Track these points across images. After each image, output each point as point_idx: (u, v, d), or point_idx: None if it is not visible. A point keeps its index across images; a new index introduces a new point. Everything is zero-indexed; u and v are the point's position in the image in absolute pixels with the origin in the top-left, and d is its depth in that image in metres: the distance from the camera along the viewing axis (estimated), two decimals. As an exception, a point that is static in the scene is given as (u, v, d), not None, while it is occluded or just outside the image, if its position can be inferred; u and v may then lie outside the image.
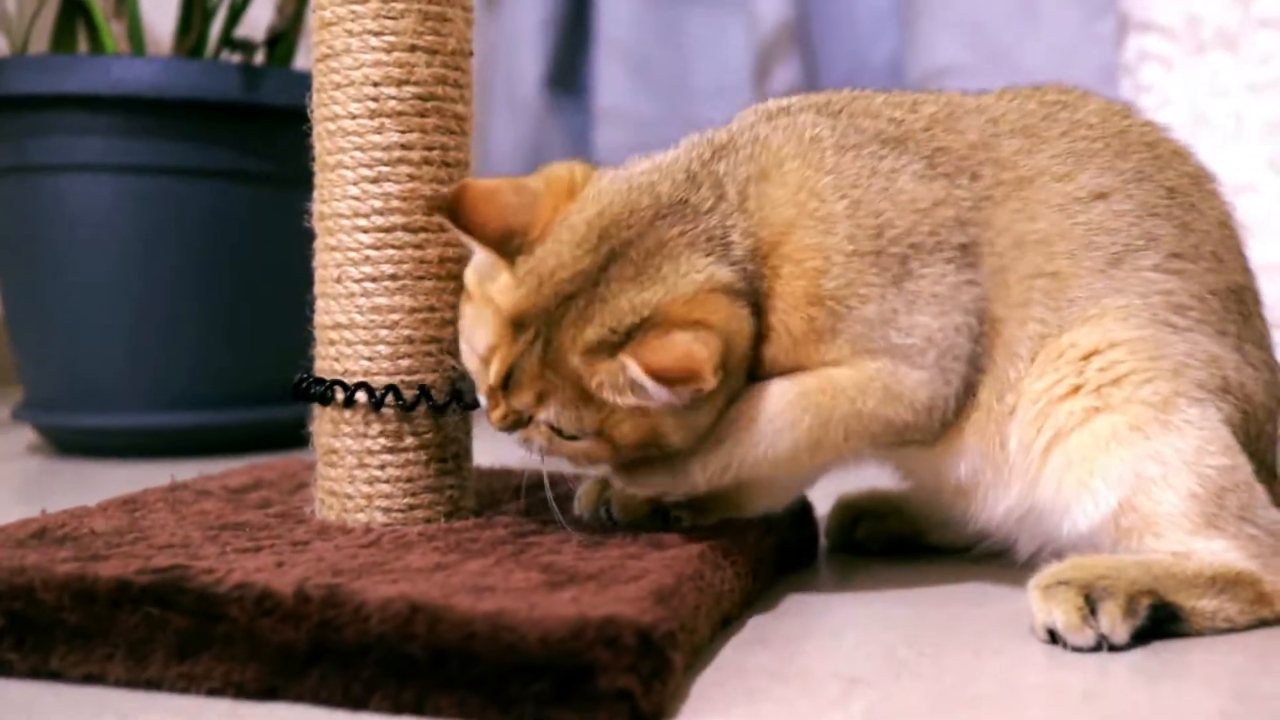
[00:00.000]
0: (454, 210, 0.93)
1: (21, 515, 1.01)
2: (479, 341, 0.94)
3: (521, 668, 0.74)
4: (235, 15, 1.88)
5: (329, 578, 0.82)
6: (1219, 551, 0.92)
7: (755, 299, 0.95)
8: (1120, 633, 0.87)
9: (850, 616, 0.99)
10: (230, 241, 1.73)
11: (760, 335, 0.95)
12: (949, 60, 2.64)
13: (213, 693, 0.79)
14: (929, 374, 0.95)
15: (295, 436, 1.85)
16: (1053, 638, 0.89)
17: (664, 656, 0.75)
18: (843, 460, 1.01)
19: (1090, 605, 0.87)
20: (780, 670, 0.85)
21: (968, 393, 0.98)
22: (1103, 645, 0.87)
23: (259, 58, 1.89)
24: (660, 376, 0.87)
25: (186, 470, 1.48)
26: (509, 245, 0.93)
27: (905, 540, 1.19)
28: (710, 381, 0.88)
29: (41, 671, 0.82)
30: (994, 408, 0.98)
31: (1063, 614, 0.87)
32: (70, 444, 1.80)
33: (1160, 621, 0.89)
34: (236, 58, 1.91)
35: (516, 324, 0.92)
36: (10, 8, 2.00)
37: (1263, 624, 0.93)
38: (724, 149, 0.99)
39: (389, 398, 1.01)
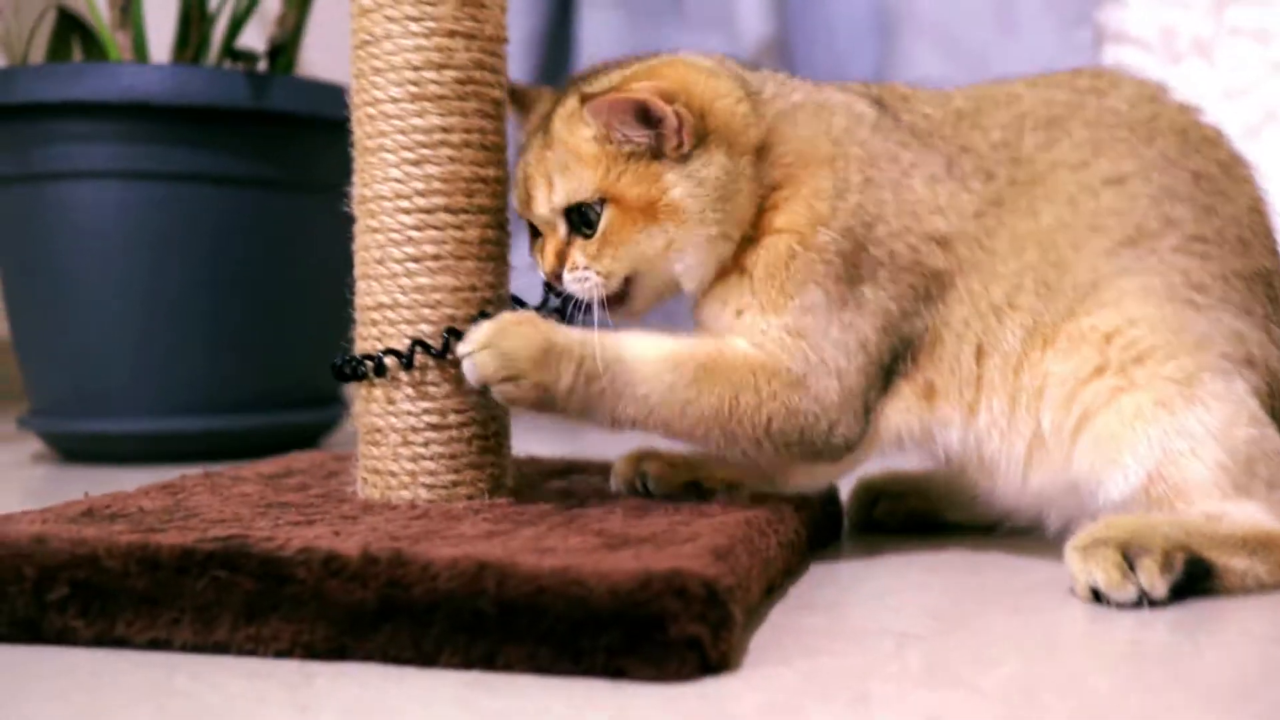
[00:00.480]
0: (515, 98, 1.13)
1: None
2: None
3: (591, 620, 0.75)
4: (236, 26, 1.90)
5: (388, 543, 0.84)
6: (1251, 513, 0.96)
7: (761, 167, 1.05)
8: (1159, 587, 0.90)
9: (887, 584, 1.02)
10: (237, 247, 1.74)
11: (761, 230, 1.04)
12: (929, 71, 2.69)
13: (280, 654, 0.81)
14: (845, 383, 1.01)
15: (301, 442, 1.87)
16: (1096, 596, 0.91)
17: (727, 609, 0.77)
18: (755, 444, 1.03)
19: (1129, 562, 0.90)
20: (831, 629, 0.88)
21: (869, 411, 1.03)
22: (1143, 601, 0.90)
23: (260, 68, 1.91)
24: (598, 101, 0.99)
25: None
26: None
27: (922, 519, 1.22)
28: (643, 94, 0.99)
29: (106, 639, 0.83)
30: (1007, 389, 1.03)
31: (1103, 572, 0.90)
32: (76, 451, 1.80)
33: (1195, 578, 0.92)
34: (239, 68, 1.93)
35: (526, 143, 1.08)
36: (8, 23, 2.00)
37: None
38: (780, 75, 1.12)
39: (416, 351, 1.03)
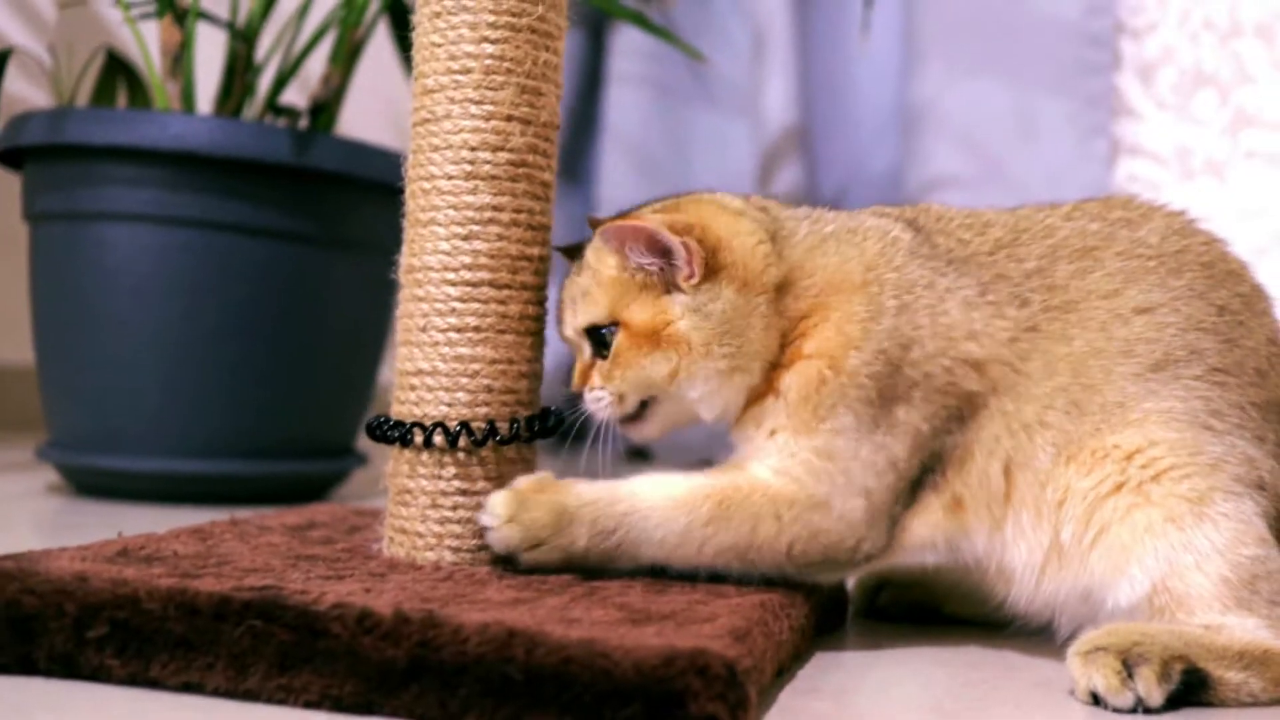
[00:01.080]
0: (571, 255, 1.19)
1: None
2: None
3: (615, 693, 0.78)
4: (282, 82, 1.96)
5: (419, 604, 0.87)
6: (1250, 628, 0.99)
7: (784, 302, 1.09)
8: (1156, 696, 0.93)
9: (891, 674, 1.05)
10: (269, 297, 1.78)
11: (790, 356, 1.08)
12: (946, 171, 2.75)
13: (309, 705, 0.83)
14: (872, 501, 1.05)
15: (312, 490, 1.91)
16: (1095, 700, 0.94)
17: (745, 690, 0.80)
18: (777, 568, 1.07)
19: (1128, 669, 0.93)
20: (840, 716, 0.90)
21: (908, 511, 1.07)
22: (1139, 708, 0.93)
23: (302, 124, 1.96)
24: (608, 228, 1.07)
25: (208, 517, 1.52)
26: None
27: (924, 610, 1.25)
28: (657, 225, 1.05)
29: (140, 679, 0.86)
30: (1034, 502, 1.06)
31: (1103, 678, 0.93)
32: (91, 485, 1.83)
33: (1192, 687, 0.95)
34: (281, 122, 1.98)
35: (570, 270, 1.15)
36: (60, 62, 2.06)
37: (1283, 703, 0.99)
38: (816, 213, 1.15)
39: (461, 435, 1.06)
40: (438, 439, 1.07)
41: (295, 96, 2.58)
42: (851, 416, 1.05)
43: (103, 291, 1.75)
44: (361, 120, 2.57)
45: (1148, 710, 0.93)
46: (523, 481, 1.05)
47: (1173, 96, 2.73)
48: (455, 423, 1.07)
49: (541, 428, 1.11)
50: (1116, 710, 0.93)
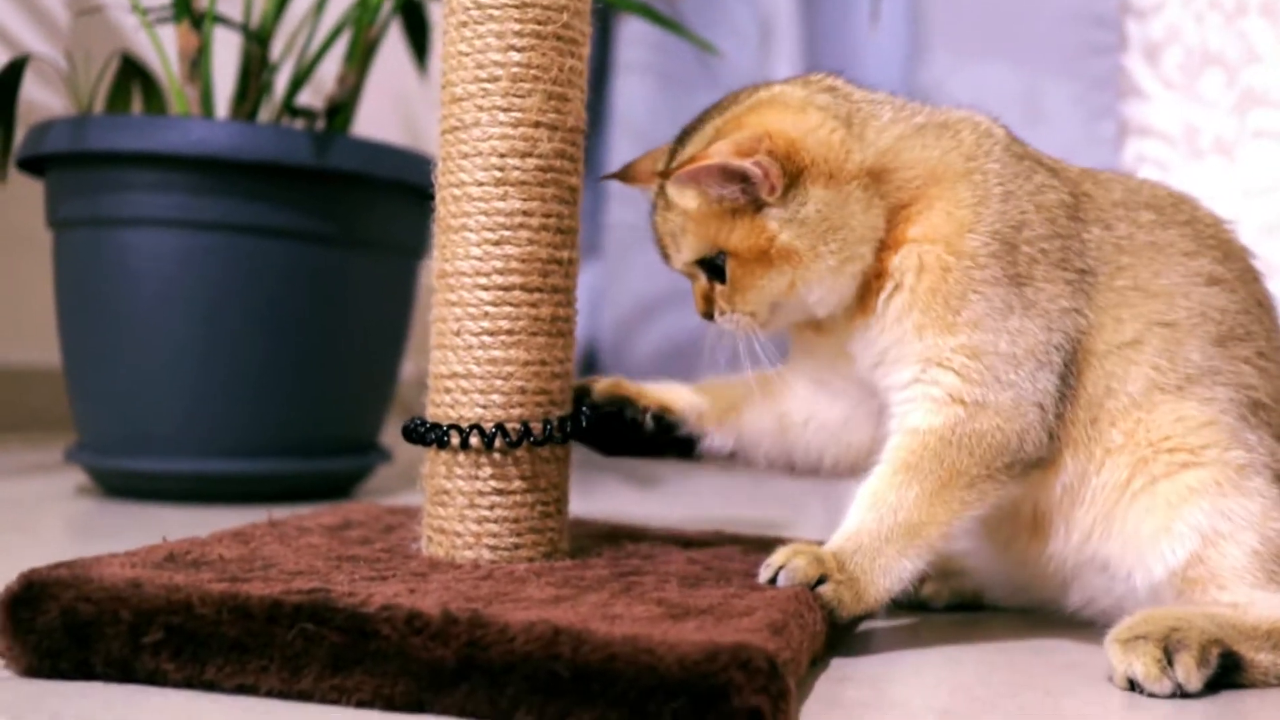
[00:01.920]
0: (626, 176, 1.23)
1: (78, 552, 1.06)
2: None
3: (659, 687, 0.81)
4: (297, 84, 1.98)
5: (464, 603, 0.89)
6: (1276, 606, 1.02)
7: (883, 189, 1.09)
8: (1195, 682, 0.96)
9: (922, 661, 1.07)
10: (292, 298, 1.80)
11: (894, 239, 1.09)
12: (955, 154, 2.77)
13: (362, 704, 0.86)
14: (1017, 390, 1.06)
15: (337, 487, 1.93)
16: (1132, 686, 0.97)
17: (785, 682, 0.82)
18: (983, 497, 1.07)
19: (1168, 657, 0.96)
20: (875, 702, 0.93)
21: (1060, 413, 1.08)
22: (1177, 693, 0.96)
23: (319, 125, 1.98)
24: (679, 175, 1.06)
25: (238, 516, 1.55)
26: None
27: (967, 599, 1.27)
28: (723, 157, 1.04)
29: (195, 682, 0.88)
30: (1096, 437, 1.09)
31: (1142, 665, 0.96)
32: (121, 487, 1.85)
33: (1227, 670, 0.98)
34: (299, 124, 2.00)
35: (654, 202, 1.16)
36: (78, 68, 2.08)
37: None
38: (898, 99, 1.16)
39: (497, 437, 1.09)
40: (474, 440, 1.09)
41: (307, 98, 2.59)
42: (984, 302, 1.06)
43: (128, 296, 1.77)
44: (374, 119, 2.58)
45: (1185, 695, 0.96)
46: (785, 553, 1.05)
47: (1180, 76, 2.74)
48: (491, 424, 1.09)
49: (574, 428, 1.13)
50: (1154, 696, 0.96)
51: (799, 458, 1.24)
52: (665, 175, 1.07)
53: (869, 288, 1.10)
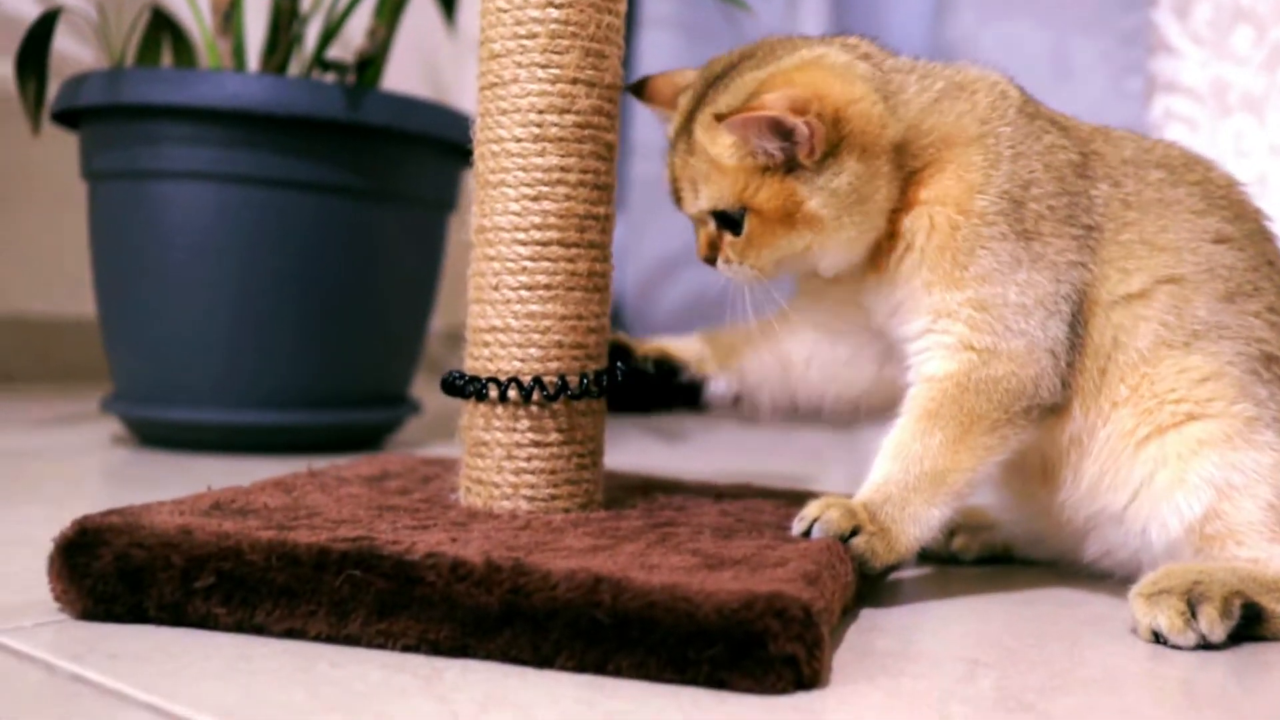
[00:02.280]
0: (641, 93, 1.21)
1: (118, 500, 1.09)
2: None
3: (697, 634, 0.83)
4: (328, 37, 1.99)
5: (505, 552, 0.92)
6: None
7: (903, 159, 1.11)
8: (1218, 632, 0.98)
9: (949, 612, 1.09)
10: (324, 251, 1.82)
11: (907, 201, 1.11)
12: (982, 111, 2.76)
13: (407, 648, 0.88)
14: (1029, 338, 1.08)
15: (368, 438, 1.96)
16: (1156, 638, 0.99)
17: (819, 630, 0.84)
18: (1004, 442, 1.09)
19: (1191, 609, 0.98)
20: (905, 652, 0.95)
21: (1071, 360, 1.10)
22: (1202, 644, 0.98)
23: (349, 79, 1.99)
24: (733, 120, 1.05)
25: (272, 466, 1.58)
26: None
27: (994, 553, 1.30)
28: (776, 109, 1.04)
29: (245, 625, 0.91)
30: (1104, 389, 1.11)
31: (1166, 618, 0.98)
32: (156, 437, 1.88)
33: (1249, 621, 1.00)
34: (329, 77, 2.01)
35: (673, 140, 1.16)
36: (110, 21, 2.09)
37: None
38: (921, 66, 1.17)
39: (535, 390, 1.11)
40: (512, 393, 1.11)
41: (336, 51, 2.60)
42: (991, 258, 1.08)
43: (163, 248, 1.79)
44: (401, 74, 2.59)
45: (1209, 646, 0.98)
46: (817, 507, 1.07)
47: (1209, 32, 2.73)
48: (529, 378, 1.11)
49: (610, 383, 1.15)
50: (1178, 648, 0.98)
51: (801, 398, 1.26)
52: (721, 118, 1.06)
53: (881, 247, 1.13)
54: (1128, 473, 1.10)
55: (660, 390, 1.25)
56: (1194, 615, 0.98)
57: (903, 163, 1.11)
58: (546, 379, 1.11)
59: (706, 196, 1.12)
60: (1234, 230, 1.15)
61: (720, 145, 1.09)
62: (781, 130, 1.06)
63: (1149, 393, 1.10)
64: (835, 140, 1.07)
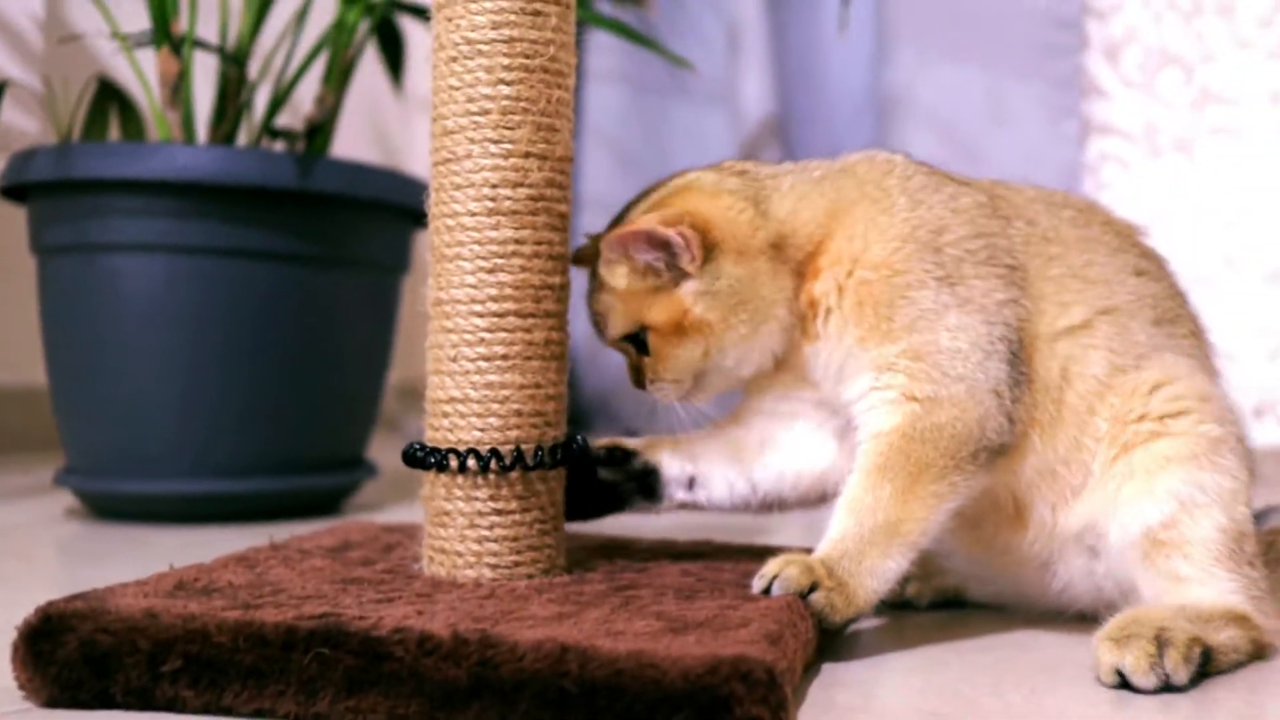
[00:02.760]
0: (577, 261, 1.25)
1: (75, 577, 1.08)
2: None
3: (664, 700, 0.84)
4: (277, 105, 2.00)
5: (471, 623, 0.93)
6: (1225, 593, 1.09)
7: (786, 252, 1.15)
8: (1182, 675, 1.01)
9: (907, 663, 1.11)
10: (278, 318, 1.83)
11: (809, 274, 1.15)
12: (922, 156, 2.81)
13: (377, 725, 0.89)
14: (969, 381, 1.10)
15: (325, 502, 1.96)
16: (1121, 680, 1.02)
17: (784, 691, 0.86)
18: (954, 489, 1.11)
19: (1159, 652, 1.01)
20: (866, 707, 0.97)
21: (1016, 397, 1.12)
22: (1164, 687, 1.01)
23: (299, 146, 2.00)
24: (610, 240, 1.14)
25: (230, 535, 1.58)
26: None
27: (949, 597, 1.32)
28: (649, 224, 1.12)
29: (213, 708, 0.91)
30: (1066, 417, 1.14)
31: (1133, 659, 1.01)
32: (110, 509, 1.87)
33: (1204, 663, 1.03)
34: (278, 145, 2.03)
35: (589, 282, 1.22)
36: (56, 94, 2.09)
37: (1256, 659, 1.10)
38: (802, 164, 1.22)
39: (492, 460, 1.12)
40: (471, 464, 1.12)
41: (285, 119, 2.61)
42: (912, 306, 1.11)
43: (115, 320, 1.79)
44: (350, 137, 2.60)
45: (1171, 689, 1.01)
46: (778, 564, 1.09)
47: (1139, 75, 2.80)
48: (486, 449, 1.12)
49: (564, 455, 1.17)
50: (1140, 691, 1.01)
51: (759, 481, 1.26)
52: (597, 241, 1.15)
53: (806, 317, 1.16)
54: (1101, 491, 1.14)
55: (612, 490, 1.26)
56: (1160, 658, 1.01)
57: (788, 255, 1.16)
58: (504, 449, 1.13)
59: (615, 325, 1.19)
60: (1147, 265, 1.20)
61: (615, 274, 1.17)
62: (657, 242, 1.13)
63: (1114, 415, 1.13)
64: (710, 246, 1.13)
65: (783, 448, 1.25)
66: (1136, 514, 1.11)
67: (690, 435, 1.28)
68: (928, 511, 1.10)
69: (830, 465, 1.24)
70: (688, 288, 1.14)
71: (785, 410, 1.24)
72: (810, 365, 1.18)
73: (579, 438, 1.19)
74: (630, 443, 1.28)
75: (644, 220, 1.14)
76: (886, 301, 1.11)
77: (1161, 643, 1.01)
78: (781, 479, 1.25)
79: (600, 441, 1.28)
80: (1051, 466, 1.15)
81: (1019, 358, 1.12)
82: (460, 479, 1.13)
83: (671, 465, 1.26)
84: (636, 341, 1.19)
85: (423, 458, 1.15)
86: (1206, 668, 1.04)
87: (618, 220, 1.23)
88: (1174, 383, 1.13)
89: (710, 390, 1.21)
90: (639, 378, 1.21)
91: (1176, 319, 1.19)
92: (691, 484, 1.26)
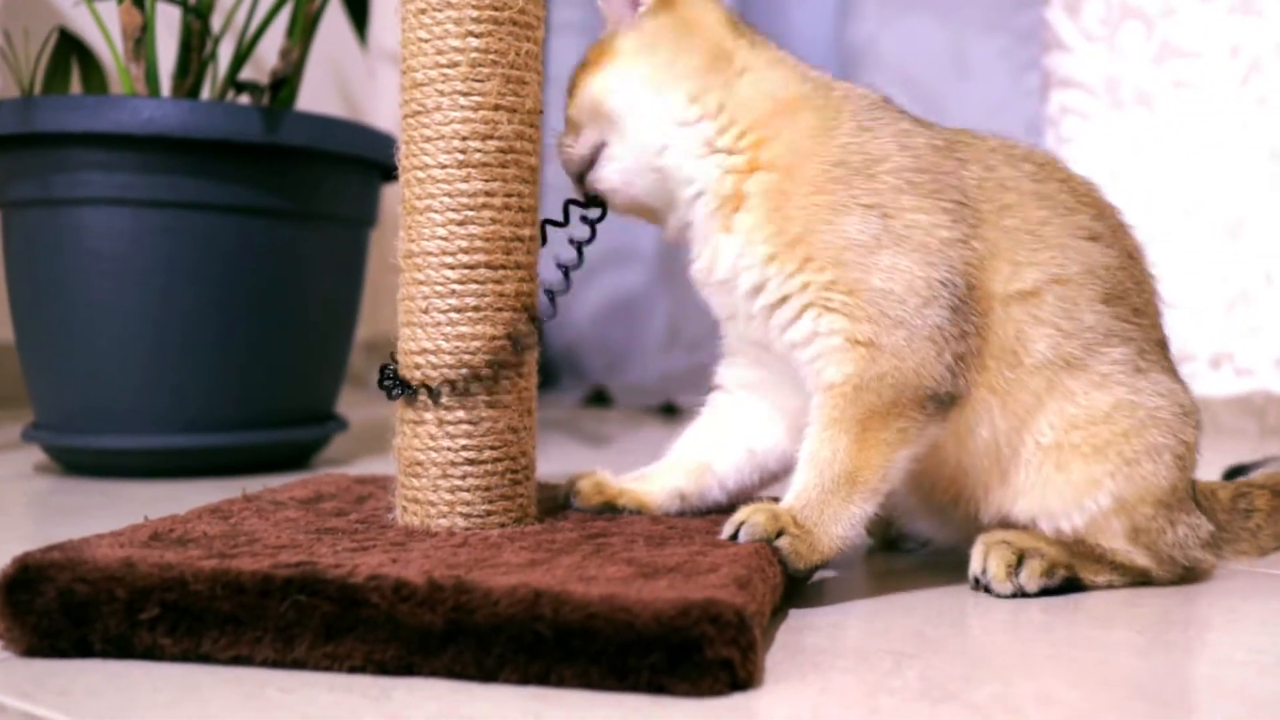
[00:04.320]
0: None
1: (47, 531, 1.09)
2: None
3: (636, 643, 0.86)
4: (240, 59, 1.99)
5: (446, 570, 0.95)
6: (1135, 555, 1.19)
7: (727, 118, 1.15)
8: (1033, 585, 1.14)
9: (874, 608, 1.14)
10: (245, 272, 1.83)
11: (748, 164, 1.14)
12: (887, 109, 2.83)
13: (354, 669, 0.90)
14: (907, 328, 1.09)
15: (296, 456, 1.97)
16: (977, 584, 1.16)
17: (753, 633, 0.88)
18: (904, 435, 1.11)
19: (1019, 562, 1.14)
20: (833, 648, 1.00)
21: (962, 351, 1.11)
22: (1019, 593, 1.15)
23: (263, 99, 1.99)
24: None
25: (201, 489, 1.59)
26: None
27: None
28: None
29: (192, 655, 0.92)
30: (1014, 390, 1.15)
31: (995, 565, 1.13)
32: (79, 464, 1.87)
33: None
34: (243, 98, 2.02)
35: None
36: (16, 48, 2.07)
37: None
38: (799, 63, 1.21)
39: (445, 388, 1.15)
40: (422, 396, 1.15)
41: (249, 73, 2.60)
42: (835, 234, 1.09)
43: (81, 275, 1.79)
44: (313, 91, 2.59)
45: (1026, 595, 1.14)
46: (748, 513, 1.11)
47: (1101, 29, 2.82)
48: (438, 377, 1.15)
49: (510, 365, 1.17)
50: (1000, 595, 1.15)
51: (731, 486, 1.30)
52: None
53: (727, 203, 1.15)
54: (1045, 479, 1.17)
55: None
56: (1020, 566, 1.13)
57: (725, 124, 1.15)
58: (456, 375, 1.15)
59: (570, 106, 1.22)
60: (1102, 227, 1.19)
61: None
62: None
63: (1059, 411, 1.15)
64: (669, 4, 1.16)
65: (745, 436, 1.28)
66: (1080, 508, 1.17)
67: (707, 447, 1.30)
68: (882, 459, 1.10)
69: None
70: (627, 36, 1.18)
71: (755, 380, 1.26)
72: (721, 266, 1.16)
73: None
74: (655, 501, 1.29)
75: None
76: (803, 220, 1.10)
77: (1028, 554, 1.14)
78: (743, 474, 1.29)
79: (630, 495, 1.28)
80: (999, 436, 1.16)
81: (967, 304, 1.10)
82: (434, 428, 1.14)
83: (657, 499, 1.29)
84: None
85: (391, 386, 1.16)
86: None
87: None
88: (1115, 409, 1.15)
89: (607, 182, 1.21)
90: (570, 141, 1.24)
91: (1124, 294, 1.18)
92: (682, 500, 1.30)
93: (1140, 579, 1.20)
